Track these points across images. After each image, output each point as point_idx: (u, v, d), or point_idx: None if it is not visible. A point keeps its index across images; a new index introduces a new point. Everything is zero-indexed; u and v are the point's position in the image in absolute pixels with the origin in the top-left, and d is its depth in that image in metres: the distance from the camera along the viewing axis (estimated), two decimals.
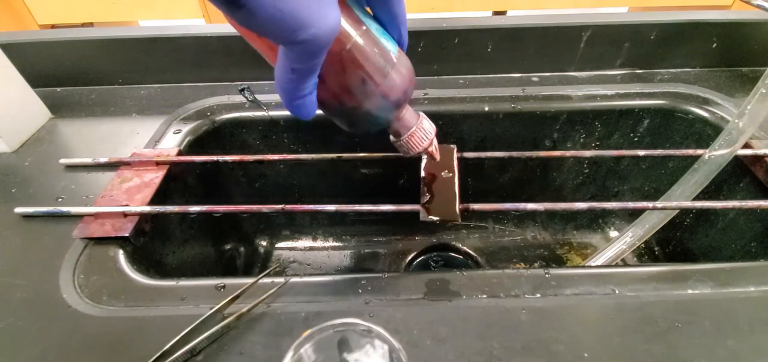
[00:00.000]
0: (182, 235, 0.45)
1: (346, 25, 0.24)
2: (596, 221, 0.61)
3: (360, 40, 0.24)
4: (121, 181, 0.40)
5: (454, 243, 0.60)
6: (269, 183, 0.56)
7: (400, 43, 0.27)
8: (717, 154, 0.41)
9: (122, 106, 0.52)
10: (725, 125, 0.42)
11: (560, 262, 0.58)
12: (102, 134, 0.47)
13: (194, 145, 0.47)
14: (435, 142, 0.31)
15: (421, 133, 0.30)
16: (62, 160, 0.43)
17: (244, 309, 0.29)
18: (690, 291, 0.30)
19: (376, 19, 0.26)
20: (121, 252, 0.34)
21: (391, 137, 0.31)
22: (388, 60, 0.26)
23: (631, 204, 0.37)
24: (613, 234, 0.60)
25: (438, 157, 0.33)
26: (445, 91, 0.52)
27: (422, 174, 0.37)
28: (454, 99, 0.50)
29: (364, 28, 0.25)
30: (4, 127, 0.44)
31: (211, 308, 0.29)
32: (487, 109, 0.50)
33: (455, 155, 0.38)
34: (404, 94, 0.27)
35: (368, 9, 0.27)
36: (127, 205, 0.37)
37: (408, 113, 0.29)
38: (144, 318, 0.29)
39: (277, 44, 0.21)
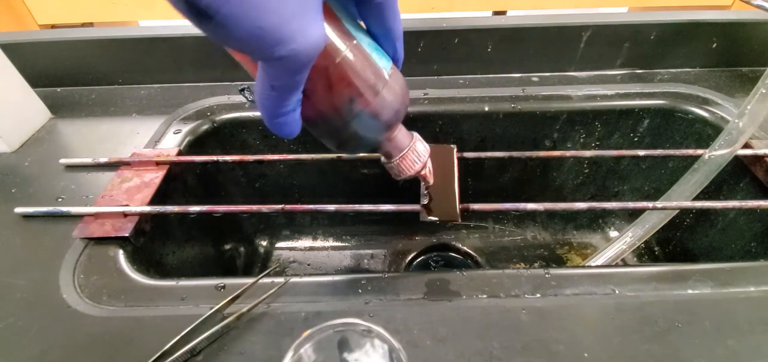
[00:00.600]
0: (182, 235, 0.45)
1: (334, 38, 0.22)
2: (596, 221, 0.61)
3: (349, 55, 0.23)
4: (121, 180, 0.40)
5: (454, 243, 0.60)
6: (269, 183, 0.56)
7: (394, 59, 0.26)
8: (717, 154, 0.41)
9: (122, 106, 0.52)
10: (725, 125, 0.42)
11: (560, 262, 0.58)
12: (102, 134, 0.47)
13: (194, 145, 0.47)
14: (429, 164, 0.30)
15: (413, 155, 0.28)
16: (62, 160, 0.43)
17: (244, 309, 0.29)
18: (690, 291, 0.30)
19: (369, 33, 0.25)
20: (121, 252, 0.34)
21: (382, 158, 0.29)
22: (380, 77, 0.24)
23: (631, 205, 0.37)
24: (613, 234, 0.60)
25: (431, 181, 0.32)
26: (445, 91, 0.52)
27: None
28: (454, 99, 0.50)
29: (355, 42, 0.23)
30: (4, 127, 0.44)
31: (211, 308, 0.29)
32: (487, 109, 0.50)
33: (455, 155, 0.38)
34: (396, 115, 0.25)
35: (361, 22, 0.25)
36: (127, 205, 0.37)
37: (400, 134, 0.28)
38: (144, 318, 0.29)
39: (254, 60, 0.20)
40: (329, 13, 0.22)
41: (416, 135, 0.29)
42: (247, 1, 0.16)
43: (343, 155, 0.41)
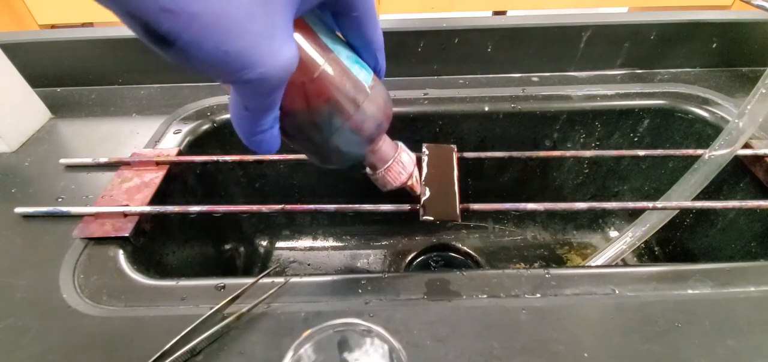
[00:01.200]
0: (182, 235, 0.45)
1: (310, 53, 0.21)
2: (596, 221, 0.61)
3: (327, 70, 0.22)
4: (121, 180, 0.40)
5: (454, 243, 0.60)
6: (269, 184, 0.56)
7: (376, 71, 0.25)
8: (717, 154, 0.41)
9: (122, 106, 0.52)
10: (725, 125, 0.42)
11: (560, 262, 0.58)
12: (102, 134, 0.47)
13: (194, 145, 0.47)
14: (415, 174, 0.30)
15: (398, 167, 0.28)
16: (62, 160, 0.43)
17: (244, 309, 0.28)
18: (690, 291, 0.30)
19: (348, 45, 0.24)
20: (121, 252, 0.34)
21: (368, 170, 0.29)
22: (360, 90, 0.23)
23: (631, 205, 0.37)
24: (613, 234, 0.60)
25: (419, 191, 0.31)
26: (445, 91, 0.52)
27: (423, 174, 0.37)
28: (454, 99, 0.50)
29: (332, 55, 0.22)
30: (4, 126, 0.44)
31: (211, 308, 0.29)
32: (487, 109, 0.50)
33: (455, 155, 0.38)
34: (378, 128, 0.25)
35: (339, 34, 0.24)
36: (127, 205, 0.37)
37: (385, 145, 0.27)
38: (144, 318, 0.29)
39: (224, 83, 0.19)
40: (305, 27, 0.22)
41: (401, 145, 0.29)
42: (210, 24, 0.15)
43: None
